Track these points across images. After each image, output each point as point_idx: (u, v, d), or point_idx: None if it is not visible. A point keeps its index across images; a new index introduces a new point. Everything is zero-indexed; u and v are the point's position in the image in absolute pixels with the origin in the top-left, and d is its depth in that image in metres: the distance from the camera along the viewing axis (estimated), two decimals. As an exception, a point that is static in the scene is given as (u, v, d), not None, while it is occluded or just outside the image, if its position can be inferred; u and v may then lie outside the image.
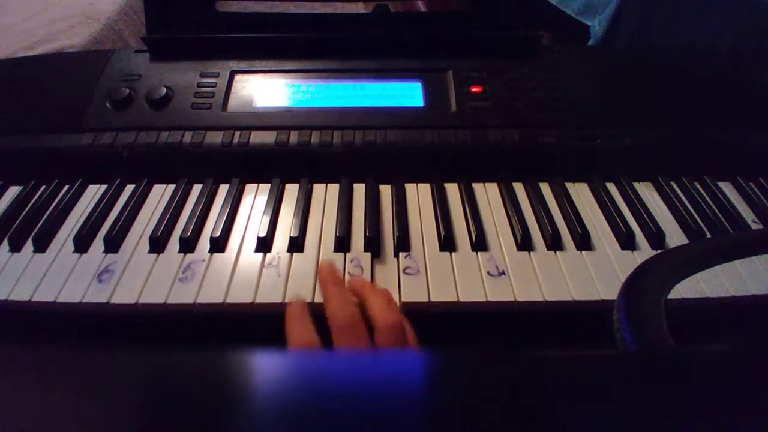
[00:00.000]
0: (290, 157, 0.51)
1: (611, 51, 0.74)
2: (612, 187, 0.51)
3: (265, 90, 0.55)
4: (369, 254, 0.43)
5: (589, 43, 0.94)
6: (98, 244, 0.44)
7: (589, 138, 0.52)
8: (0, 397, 0.15)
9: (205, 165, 0.51)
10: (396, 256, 0.43)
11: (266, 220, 0.45)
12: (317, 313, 0.40)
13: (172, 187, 0.50)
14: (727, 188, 0.51)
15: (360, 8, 0.68)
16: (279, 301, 0.39)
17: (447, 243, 0.44)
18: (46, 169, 0.51)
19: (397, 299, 0.39)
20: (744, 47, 0.79)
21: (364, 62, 0.57)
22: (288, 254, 0.43)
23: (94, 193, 0.50)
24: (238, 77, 0.56)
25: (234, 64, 0.57)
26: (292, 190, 0.50)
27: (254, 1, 0.88)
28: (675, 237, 0.46)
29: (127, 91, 0.54)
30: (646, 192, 0.50)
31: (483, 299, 0.39)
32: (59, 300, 0.39)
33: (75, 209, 0.48)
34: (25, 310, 0.39)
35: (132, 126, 0.52)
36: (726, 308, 0.40)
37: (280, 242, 0.44)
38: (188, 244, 0.43)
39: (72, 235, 0.44)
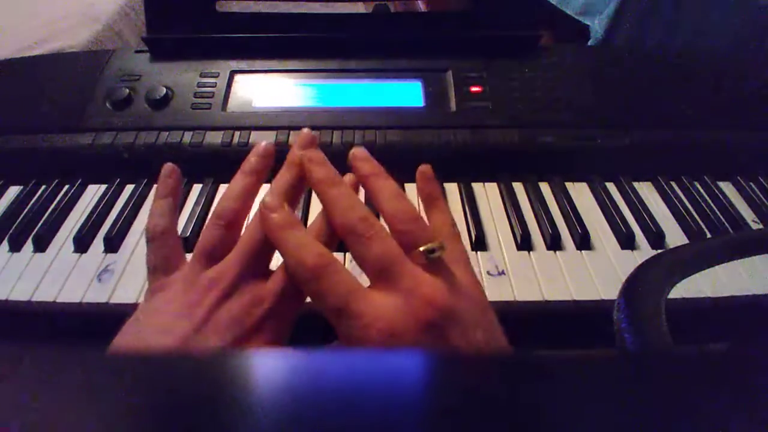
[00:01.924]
0: (290, 157, 0.50)
1: (611, 51, 0.74)
2: (612, 187, 0.51)
3: (265, 90, 0.55)
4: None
5: (589, 43, 0.94)
6: (98, 244, 0.44)
7: (589, 138, 0.52)
8: (0, 397, 0.15)
9: (205, 165, 0.51)
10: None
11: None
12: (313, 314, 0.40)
13: (172, 187, 0.50)
14: (727, 188, 0.51)
15: (360, 8, 0.68)
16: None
17: (447, 243, 0.44)
18: (46, 169, 0.51)
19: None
20: (744, 47, 0.79)
21: (364, 62, 0.57)
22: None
23: (94, 193, 0.50)
24: (237, 77, 0.56)
25: (234, 64, 0.57)
26: (292, 190, 0.49)
27: (254, 1, 0.88)
28: (675, 237, 0.46)
29: (127, 91, 0.54)
30: (646, 192, 0.51)
31: None
32: (59, 300, 0.39)
33: (75, 209, 0.48)
34: (25, 310, 0.39)
35: (132, 126, 0.52)
36: (726, 308, 0.40)
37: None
38: (188, 244, 0.43)
39: (72, 235, 0.45)
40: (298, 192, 0.32)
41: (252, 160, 0.33)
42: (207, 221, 0.31)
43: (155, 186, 0.50)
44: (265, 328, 0.28)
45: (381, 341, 0.25)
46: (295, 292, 0.29)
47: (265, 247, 0.29)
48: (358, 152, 0.34)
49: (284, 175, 0.32)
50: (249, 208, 0.32)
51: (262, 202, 0.30)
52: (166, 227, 0.31)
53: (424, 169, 0.36)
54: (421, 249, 0.27)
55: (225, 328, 0.27)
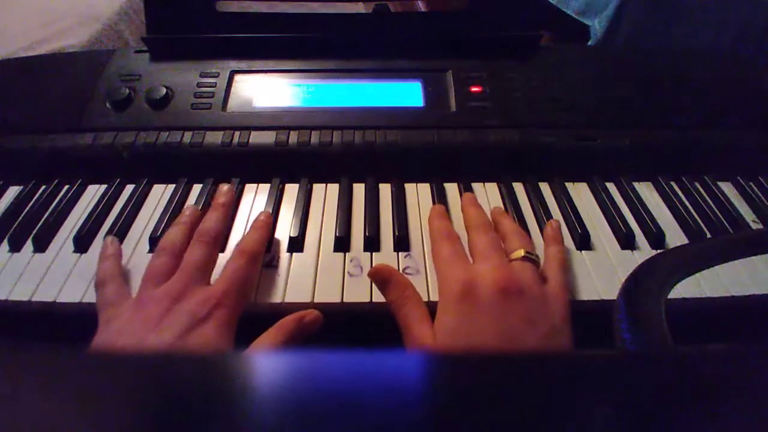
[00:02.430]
0: (290, 157, 0.51)
1: (611, 51, 0.74)
2: (612, 187, 0.51)
3: (265, 90, 0.55)
4: (369, 254, 0.43)
5: (589, 43, 0.94)
6: (98, 244, 0.44)
7: (589, 138, 0.52)
8: (0, 397, 0.15)
9: (205, 165, 0.51)
10: (396, 255, 0.43)
11: (266, 220, 0.45)
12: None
13: (172, 187, 0.50)
14: (727, 188, 0.51)
15: (360, 8, 0.68)
16: (279, 301, 0.39)
17: (447, 243, 0.44)
18: (46, 169, 0.51)
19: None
20: (744, 47, 0.79)
21: (364, 62, 0.57)
22: (288, 254, 0.43)
23: (94, 193, 0.50)
24: (237, 77, 0.56)
25: (234, 64, 0.57)
26: (291, 190, 0.50)
27: (254, 1, 0.88)
28: (675, 237, 0.46)
29: (127, 91, 0.54)
30: (646, 192, 0.51)
31: None
32: (59, 300, 0.39)
33: (75, 209, 0.48)
34: (25, 310, 0.39)
35: (132, 126, 0.52)
36: (726, 308, 0.40)
37: (280, 242, 0.44)
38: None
39: (72, 235, 0.44)
40: (227, 220, 0.43)
41: (187, 212, 0.42)
42: (154, 252, 0.38)
43: (155, 186, 0.50)
44: (214, 316, 0.33)
45: (462, 286, 0.34)
46: (238, 293, 0.35)
47: (206, 264, 0.37)
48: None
49: (218, 211, 0.43)
50: (191, 237, 0.39)
51: (433, 208, 0.46)
52: (113, 272, 0.38)
53: (553, 225, 0.45)
54: (522, 250, 0.37)
55: (179, 321, 0.32)
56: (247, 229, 0.45)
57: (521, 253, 0.37)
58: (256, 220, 0.42)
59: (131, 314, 0.33)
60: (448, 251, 0.38)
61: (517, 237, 0.40)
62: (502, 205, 0.48)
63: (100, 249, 0.41)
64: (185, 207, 0.43)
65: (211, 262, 0.38)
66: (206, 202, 0.48)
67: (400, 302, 0.36)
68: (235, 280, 0.36)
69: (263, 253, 0.40)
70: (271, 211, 0.47)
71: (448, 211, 0.47)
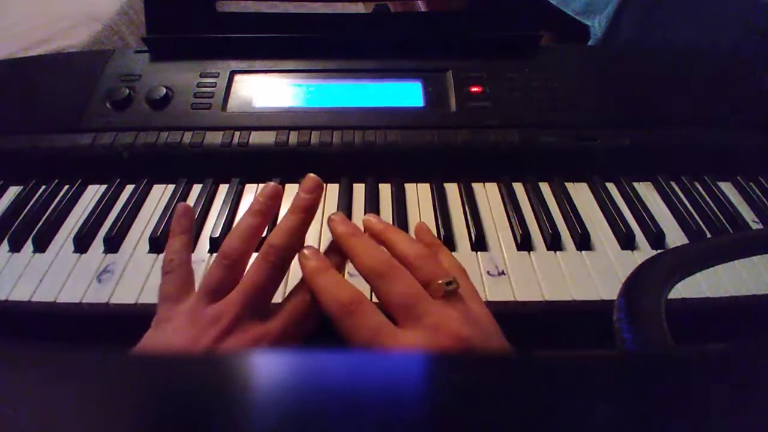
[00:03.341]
0: (290, 157, 0.50)
1: (611, 51, 0.74)
2: (612, 187, 0.51)
3: (265, 90, 0.55)
4: (369, 254, 0.43)
5: (589, 43, 0.94)
6: (98, 244, 0.44)
7: (589, 138, 0.52)
8: (0, 396, 0.15)
9: (205, 165, 0.51)
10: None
11: (266, 220, 0.45)
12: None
13: (172, 187, 0.50)
14: (727, 188, 0.51)
15: (360, 8, 0.68)
16: (279, 301, 0.39)
17: (446, 243, 0.44)
18: (46, 169, 0.51)
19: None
20: (744, 47, 0.79)
21: (364, 62, 0.57)
22: (288, 254, 0.43)
23: (94, 193, 0.50)
24: (237, 77, 0.56)
25: (234, 64, 0.57)
26: (292, 190, 0.49)
27: (254, 1, 0.88)
28: (675, 237, 0.46)
29: (127, 91, 0.54)
30: (646, 192, 0.51)
31: (482, 299, 0.39)
32: (59, 300, 0.39)
33: (75, 209, 0.48)
34: (25, 310, 0.39)
35: (132, 126, 0.52)
36: (726, 308, 0.40)
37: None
38: (188, 244, 0.43)
39: (72, 235, 0.44)
40: (303, 234, 0.34)
41: (260, 200, 0.35)
42: (213, 259, 0.33)
43: (155, 186, 0.50)
44: None
45: None
46: (295, 330, 0.31)
47: (266, 287, 0.32)
48: (365, 219, 0.37)
49: (291, 219, 0.34)
50: (253, 247, 0.33)
51: (301, 253, 0.33)
52: (181, 261, 0.33)
53: (420, 225, 0.39)
54: (440, 282, 0.30)
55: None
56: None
57: (441, 288, 0.30)
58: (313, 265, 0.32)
59: (180, 326, 0.30)
60: (365, 329, 0.29)
61: (423, 261, 0.31)
62: (502, 205, 0.48)
63: (174, 218, 0.36)
64: (265, 187, 0.35)
65: (274, 285, 0.32)
66: (206, 202, 0.48)
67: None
68: (294, 314, 0.31)
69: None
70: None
71: (447, 211, 0.47)
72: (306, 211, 0.34)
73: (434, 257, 0.33)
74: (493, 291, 0.40)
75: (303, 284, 0.32)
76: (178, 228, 0.35)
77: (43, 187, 0.50)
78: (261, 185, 0.50)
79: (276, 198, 0.35)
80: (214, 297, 0.31)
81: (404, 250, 0.32)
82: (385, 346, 0.28)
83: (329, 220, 0.35)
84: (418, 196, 0.49)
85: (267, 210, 0.34)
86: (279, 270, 0.32)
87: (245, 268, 0.32)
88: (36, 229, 0.45)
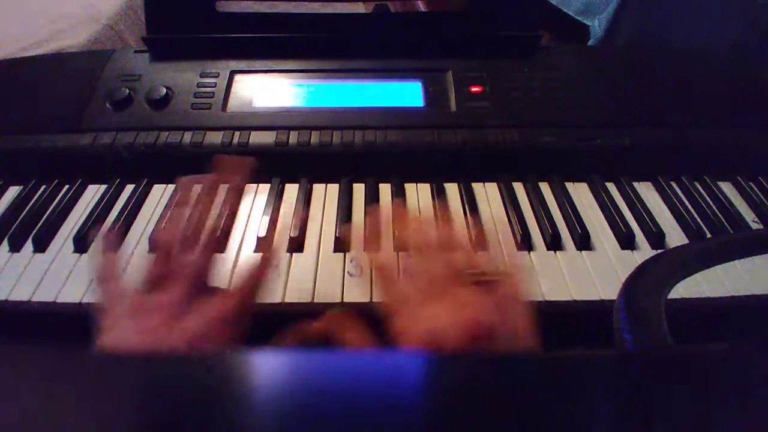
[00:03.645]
0: (290, 157, 0.50)
1: (611, 51, 0.74)
2: (612, 187, 0.51)
3: (265, 90, 0.55)
4: (368, 254, 0.43)
5: (589, 43, 0.94)
6: (98, 245, 0.44)
7: (589, 138, 0.51)
8: (0, 396, 0.15)
9: (205, 165, 0.51)
10: (396, 255, 0.43)
11: (266, 220, 0.45)
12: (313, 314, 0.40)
13: (172, 187, 0.50)
14: (727, 188, 0.51)
15: (360, 8, 0.68)
16: (279, 301, 0.39)
17: (447, 243, 0.44)
18: (46, 169, 0.51)
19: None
20: (744, 47, 0.79)
21: (364, 62, 0.57)
22: (288, 254, 0.43)
23: (94, 193, 0.50)
24: (237, 77, 0.56)
25: (234, 64, 0.57)
26: (292, 190, 0.50)
27: (254, 1, 0.88)
28: (675, 237, 0.46)
29: (127, 91, 0.54)
30: (646, 192, 0.50)
31: None
32: (59, 300, 0.39)
33: (75, 209, 0.48)
34: (25, 310, 0.39)
35: (132, 126, 0.52)
36: (726, 308, 0.40)
37: (280, 242, 0.44)
38: (188, 244, 0.43)
39: (72, 235, 0.44)
40: (235, 210, 0.38)
41: (180, 193, 0.38)
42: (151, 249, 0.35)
43: (155, 186, 0.50)
44: (218, 335, 0.31)
45: (423, 343, 0.30)
46: (248, 304, 0.33)
47: (203, 266, 0.34)
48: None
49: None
50: (181, 235, 0.35)
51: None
52: (111, 271, 0.35)
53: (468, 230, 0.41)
54: (475, 271, 0.32)
55: (178, 341, 0.30)
56: (247, 228, 0.45)
57: (475, 275, 0.32)
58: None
59: (128, 323, 0.31)
60: (397, 294, 0.33)
61: (464, 252, 0.34)
62: (502, 205, 0.48)
63: (99, 244, 0.38)
64: (178, 184, 0.39)
65: (210, 263, 0.35)
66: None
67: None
68: (244, 289, 0.33)
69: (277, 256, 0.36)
70: (271, 211, 0.46)
71: (448, 212, 0.47)
72: (236, 192, 0.38)
73: (475, 254, 0.35)
74: (493, 291, 0.40)
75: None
76: (106, 248, 0.37)
77: (43, 187, 0.50)
78: (261, 185, 0.50)
79: (189, 188, 0.38)
80: (159, 286, 0.32)
81: (450, 239, 0.35)
82: (409, 311, 0.31)
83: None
84: (418, 196, 0.49)
85: (188, 200, 0.37)
86: (211, 250, 0.34)
87: (178, 255, 0.34)
88: (36, 229, 0.45)
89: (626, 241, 0.44)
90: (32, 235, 0.44)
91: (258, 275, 0.34)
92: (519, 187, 0.51)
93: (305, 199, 0.48)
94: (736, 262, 0.42)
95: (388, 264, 0.36)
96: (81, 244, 0.44)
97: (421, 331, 0.30)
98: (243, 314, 0.32)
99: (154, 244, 0.34)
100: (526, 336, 0.31)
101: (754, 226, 0.47)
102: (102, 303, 0.34)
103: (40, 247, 0.44)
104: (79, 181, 0.50)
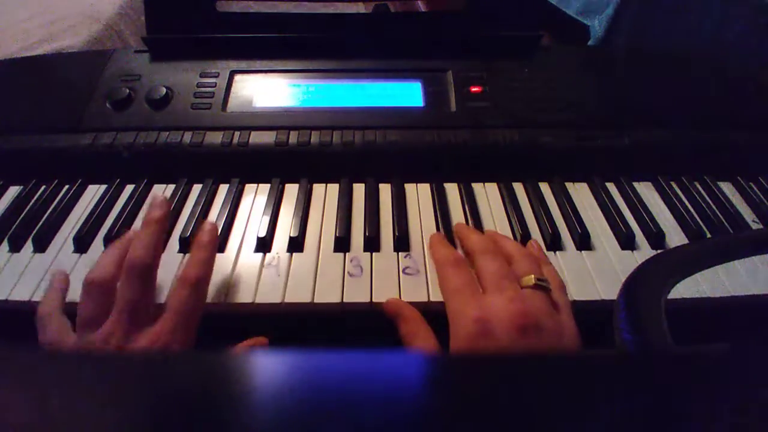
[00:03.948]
0: (290, 157, 0.51)
1: (611, 51, 0.74)
2: (612, 187, 0.51)
3: (265, 90, 0.55)
4: (369, 254, 0.43)
5: (589, 43, 0.94)
6: (98, 244, 0.44)
7: (589, 138, 0.51)
8: (0, 396, 0.15)
9: (205, 165, 0.51)
10: (396, 256, 0.43)
11: (266, 220, 0.45)
12: (313, 314, 0.40)
13: (172, 187, 0.50)
14: (727, 188, 0.51)
15: (360, 8, 0.68)
16: (279, 301, 0.39)
17: (447, 243, 0.44)
18: (46, 169, 0.51)
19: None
20: (744, 47, 0.79)
21: (364, 62, 0.57)
22: (288, 254, 0.43)
23: (94, 193, 0.50)
24: (237, 77, 0.56)
25: (234, 64, 0.57)
26: (292, 190, 0.50)
27: (254, 1, 0.88)
28: (675, 237, 0.46)
29: (127, 91, 0.54)
30: (646, 192, 0.50)
31: None
32: (59, 300, 0.39)
33: (75, 209, 0.48)
34: (25, 310, 0.39)
35: (132, 126, 0.52)
36: (726, 308, 0.40)
37: (280, 242, 0.44)
38: (188, 245, 0.43)
39: (72, 235, 0.45)
40: (159, 243, 0.36)
41: (118, 242, 0.38)
42: (81, 292, 0.34)
43: (155, 186, 0.50)
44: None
45: (475, 322, 0.32)
46: (185, 327, 0.34)
47: (140, 299, 0.34)
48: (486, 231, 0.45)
49: (146, 233, 0.36)
50: (118, 272, 0.35)
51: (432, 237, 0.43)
52: (53, 309, 0.35)
53: (532, 242, 0.44)
54: (532, 276, 0.35)
55: None
56: (247, 228, 0.45)
57: (532, 279, 0.35)
58: (197, 240, 0.37)
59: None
60: (458, 281, 0.36)
61: (525, 260, 0.37)
62: (502, 205, 0.49)
63: (50, 279, 0.39)
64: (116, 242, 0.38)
65: (148, 295, 0.35)
66: (206, 202, 0.48)
67: (411, 337, 0.35)
68: (181, 313, 0.34)
69: (210, 276, 0.37)
70: (271, 211, 0.46)
71: (447, 211, 0.47)
72: (159, 223, 0.37)
73: (537, 262, 0.38)
74: (493, 291, 0.40)
75: (182, 282, 0.35)
76: (55, 285, 0.38)
77: (43, 187, 0.50)
78: (261, 185, 0.50)
79: (128, 240, 0.37)
80: (95, 325, 0.33)
81: (512, 248, 0.39)
82: (467, 296, 0.34)
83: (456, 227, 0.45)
84: (418, 196, 0.49)
85: (126, 242, 0.37)
86: (147, 281, 0.34)
87: (115, 292, 0.34)
88: (36, 229, 0.45)
89: (626, 241, 0.44)
90: (32, 235, 0.44)
91: (188, 303, 0.34)
92: (519, 187, 0.51)
93: (305, 199, 0.48)
94: (736, 262, 0.42)
95: (451, 252, 0.39)
96: (81, 244, 0.44)
97: (473, 315, 0.32)
98: (186, 326, 0.34)
99: (87, 283, 0.34)
100: (571, 341, 0.33)
101: (754, 226, 0.47)
102: (47, 341, 0.34)
103: (40, 247, 0.44)
104: (79, 181, 0.50)
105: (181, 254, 0.43)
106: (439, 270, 0.39)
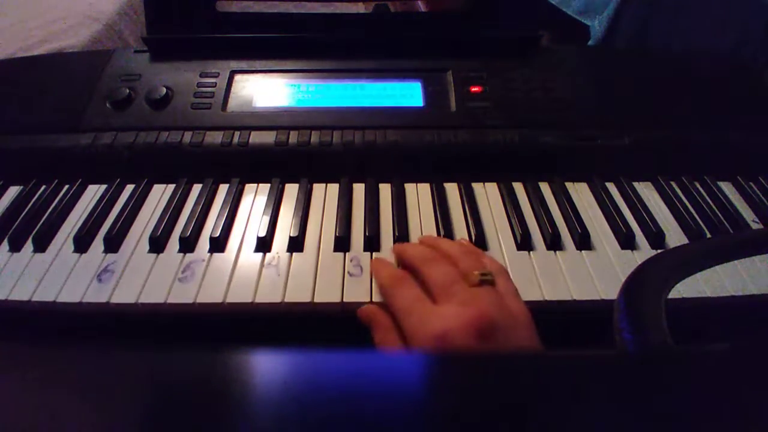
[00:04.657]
0: (290, 157, 0.51)
1: (611, 51, 0.74)
2: (612, 187, 0.51)
3: (265, 90, 0.55)
4: (369, 254, 0.43)
5: (589, 43, 0.94)
6: (98, 244, 0.44)
7: (589, 138, 0.51)
8: (0, 396, 0.15)
9: (205, 165, 0.51)
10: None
11: (266, 219, 0.45)
12: (313, 314, 0.40)
13: (172, 187, 0.50)
14: (727, 188, 0.51)
15: (360, 8, 0.68)
16: (278, 300, 0.39)
17: (447, 243, 0.44)
18: (46, 169, 0.51)
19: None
20: (744, 47, 0.79)
21: (364, 62, 0.57)
22: (288, 254, 0.43)
23: (94, 193, 0.50)
24: (237, 77, 0.56)
25: (234, 64, 0.57)
26: (292, 190, 0.50)
27: (254, 1, 0.88)
28: (675, 237, 0.46)
29: (127, 91, 0.54)
30: (646, 192, 0.50)
31: None
32: (59, 300, 0.39)
33: (75, 209, 0.48)
34: (25, 310, 0.39)
35: (132, 126, 0.52)
36: (726, 308, 0.40)
37: (280, 242, 0.44)
38: (188, 244, 0.43)
39: (72, 235, 0.44)
40: None
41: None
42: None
43: (155, 186, 0.50)
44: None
45: (436, 340, 0.31)
46: None
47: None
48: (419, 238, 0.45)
49: None
50: None
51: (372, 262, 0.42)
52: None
53: (462, 239, 0.45)
54: (476, 273, 0.34)
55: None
56: (247, 228, 0.45)
57: (477, 277, 0.34)
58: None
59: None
60: (405, 300, 0.35)
61: (465, 257, 0.37)
62: (502, 205, 0.49)
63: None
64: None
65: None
66: (206, 202, 0.48)
67: (382, 345, 0.35)
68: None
69: None
70: (271, 211, 0.47)
71: (447, 211, 0.47)
72: None
73: (476, 256, 0.38)
74: (493, 291, 0.40)
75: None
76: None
77: (43, 187, 0.50)
78: (261, 185, 0.50)
79: None
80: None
81: (449, 249, 0.38)
82: (419, 313, 0.33)
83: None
84: (418, 196, 0.49)
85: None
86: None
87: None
88: (36, 229, 0.45)
89: (626, 241, 0.44)
90: (32, 235, 0.44)
91: None
92: (519, 187, 0.51)
93: (305, 199, 0.48)
94: (736, 262, 0.42)
95: (394, 272, 0.38)
96: (81, 244, 0.44)
97: (430, 333, 0.32)
98: None
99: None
100: (526, 327, 0.34)
101: (754, 226, 0.47)
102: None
103: (40, 247, 0.44)
104: (79, 181, 0.50)
105: (181, 254, 0.43)
106: (384, 292, 0.37)
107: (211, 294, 0.39)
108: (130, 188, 0.50)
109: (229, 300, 0.39)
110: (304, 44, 0.58)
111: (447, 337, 0.31)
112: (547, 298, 0.39)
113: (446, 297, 0.34)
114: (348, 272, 0.41)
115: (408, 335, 0.33)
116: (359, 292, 0.40)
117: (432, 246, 0.40)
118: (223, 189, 0.50)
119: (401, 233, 0.44)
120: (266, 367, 0.18)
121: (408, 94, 0.55)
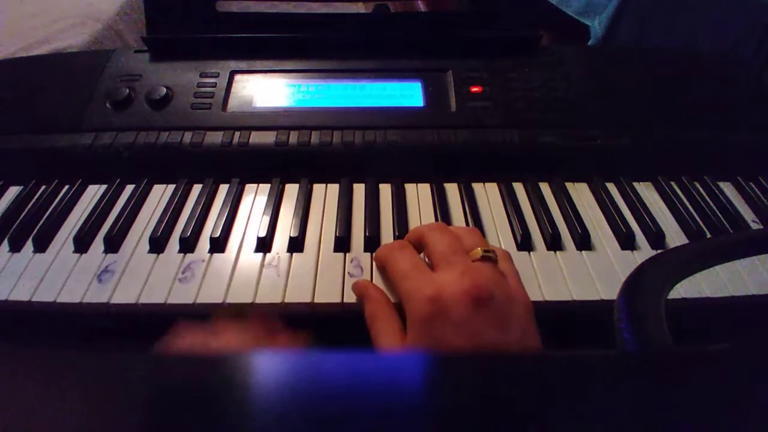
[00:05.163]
0: (290, 157, 0.51)
1: (611, 51, 0.74)
2: (612, 187, 0.51)
3: (265, 90, 0.55)
4: (369, 254, 0.43)
5: (589, 43, 0.94)
6: (98, 244, 0.44)
7: (589, 138, 0.52)
8: (0, 397, 0.15)
9: (205, 165, 0.51)
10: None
11: (266, 220, 0.45)
12: (313, 314, 0.40)
13: (172, 187, 0.50)
14: (727, 188, 0.51)
15: (360, 8, 0.68)
16: (279, 301, 0.39)
17: (447, 243, 0.44)
18: (46, 169, 0.51)
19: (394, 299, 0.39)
20: (744, 47, 0.79)
21: (364, 62, 0.57)
22: (288, 254, 0.43)
23: (94, 193, 0.50)
24: (237, 77, 0.56)
25: (234, 64, 0.57)
26: (292, 190, 0.50)
27: (254, 1, 0.88)
28: (675, 237, 0.46)
29: (127, 91, 0.54)
30: (646, 192, 0.51)
31: None
32: (59, 300, 0.39)
33: (75, 209, 0.48)
34: (25, 310, 0.39)
35: (132, 126, 0.52)
36: (726, 308, 0.40)
37: (280, 242, 0.44)
38: (188, 244, 0.43)
39: (72, 235, 0.44)
40: None
41: None
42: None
43: (155, 186, 0.50)
44: None
45: (429, 302, 0.32)
46: None
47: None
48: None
49: None
50: None
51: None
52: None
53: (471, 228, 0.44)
54: (480, 248, 0.35)
55: None
56: (247, 228, 0.45)
57: (480, 252, 0.35)
58: None
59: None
60: (405, 264, 0.35)
61: (469, 235, 0.37)
62: (502, 205, 0.49)
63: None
64: None
65: None
66: (206, 202, 0.48)
67: (372, 318, 0.35)
68: None
69: None
70: (271, 211, 0.47)
71: (447, 211, 0.47)
72: None
73: (479, 236, 0.39)
74: (493, 291, 0.40)
75: None
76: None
77: (43, 187, 0.50)
78: (261, 185, 0.50)
79: None
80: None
81: (455, 228, 0.39)
82: (417, 278, 0.34)
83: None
84: (418, 196, 0.50)
85: None
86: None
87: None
88: (36, 229, 0.45)
89: (626, 241, 0.44)
90: (32, 235, 0.44)
91: None
92: (519, 187, 0.51)
93: (305, 199, 0.48)
94: (736, 262, 0.42)
95: (395, 242, 0.40)
96: (81, 244, 0.44)
97: (425, 295, 0.32)
98: None
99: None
100: (524, 308, 0.34)
101: (754, 226, 0.47)
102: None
103: (40, 247, 0.44)
104: (79, 181, 0.50)
105: (181, 254, 0.43)
106: (384, 258, 0.38)
107: (212, 294, 0.39)
108: (130, 188, 0.50)
109: (229, 300, 0.39)
110: (304, 44, 0.58)
111: (440, 300, 0.32)
112: (547, 298, 0.39)
113: (446, 265, 0.34)
114: (348, 273, 0.41)
115: (403, 299, 0.34)
116: (359, 292, 0.39)
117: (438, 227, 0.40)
118: (223, 189, 0.50)
119: (401, 233, 0.44)
120: (266, 367, 0.18)
121: (408, 94, 0.55)
